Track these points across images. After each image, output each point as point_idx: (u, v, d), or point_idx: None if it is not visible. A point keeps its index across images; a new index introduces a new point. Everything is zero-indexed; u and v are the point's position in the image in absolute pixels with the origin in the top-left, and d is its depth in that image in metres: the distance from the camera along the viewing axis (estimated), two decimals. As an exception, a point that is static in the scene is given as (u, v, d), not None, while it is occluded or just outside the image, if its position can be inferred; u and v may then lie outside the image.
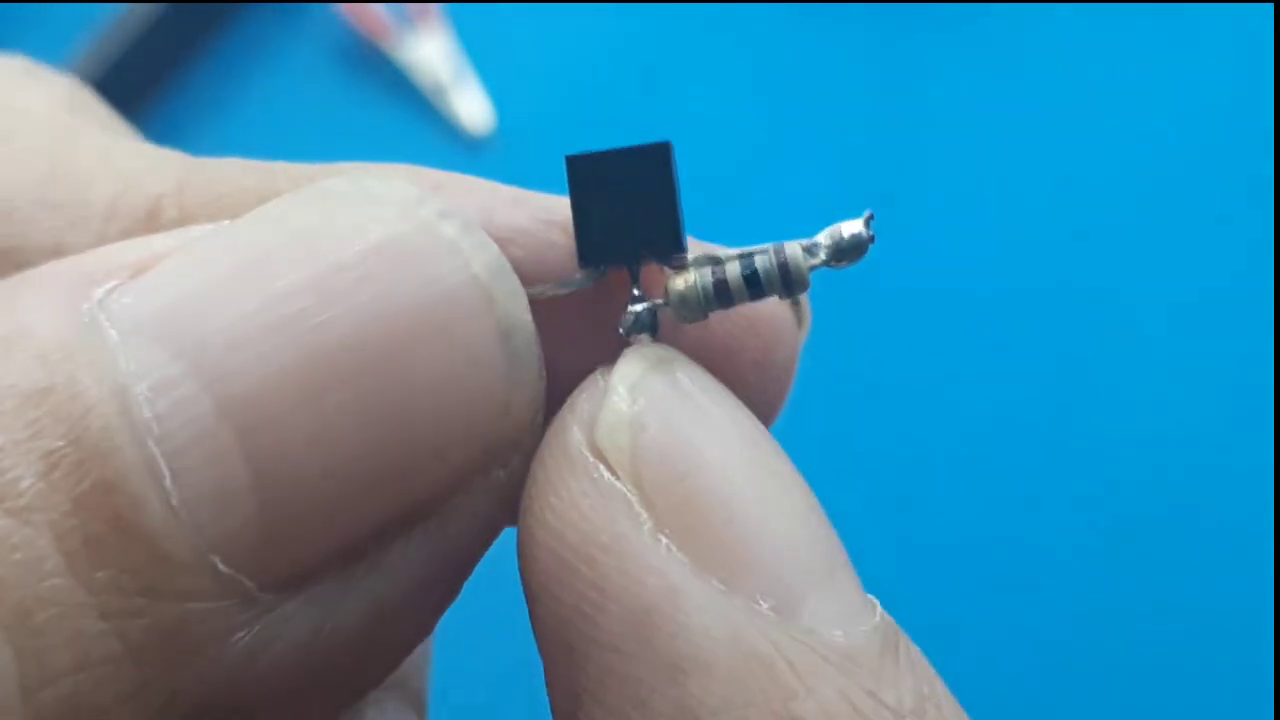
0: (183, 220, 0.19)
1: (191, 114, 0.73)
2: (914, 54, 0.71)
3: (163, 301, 0.16)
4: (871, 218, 0.19)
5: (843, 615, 0.17)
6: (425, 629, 0.19)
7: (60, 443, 0.15)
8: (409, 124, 0.72)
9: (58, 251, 0.19)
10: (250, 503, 0.16)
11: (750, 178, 0.68)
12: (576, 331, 0.20)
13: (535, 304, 0.18)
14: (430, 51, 0.72)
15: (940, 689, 0.17)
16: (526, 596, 0.18)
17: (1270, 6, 0.67)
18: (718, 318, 0.20)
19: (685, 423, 0.17)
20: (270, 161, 0.20)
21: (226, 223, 0.17)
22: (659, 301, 0.19)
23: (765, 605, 0.16)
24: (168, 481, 0.15)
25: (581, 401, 0.18)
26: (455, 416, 0.17)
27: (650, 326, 0.19)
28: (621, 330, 0.19)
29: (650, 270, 0.20)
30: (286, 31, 0.75)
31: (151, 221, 0.19)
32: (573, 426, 0.18)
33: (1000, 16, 0.70)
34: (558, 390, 0.19)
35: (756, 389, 0.20)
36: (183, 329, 0.16)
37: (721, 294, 0.19)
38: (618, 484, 0.17)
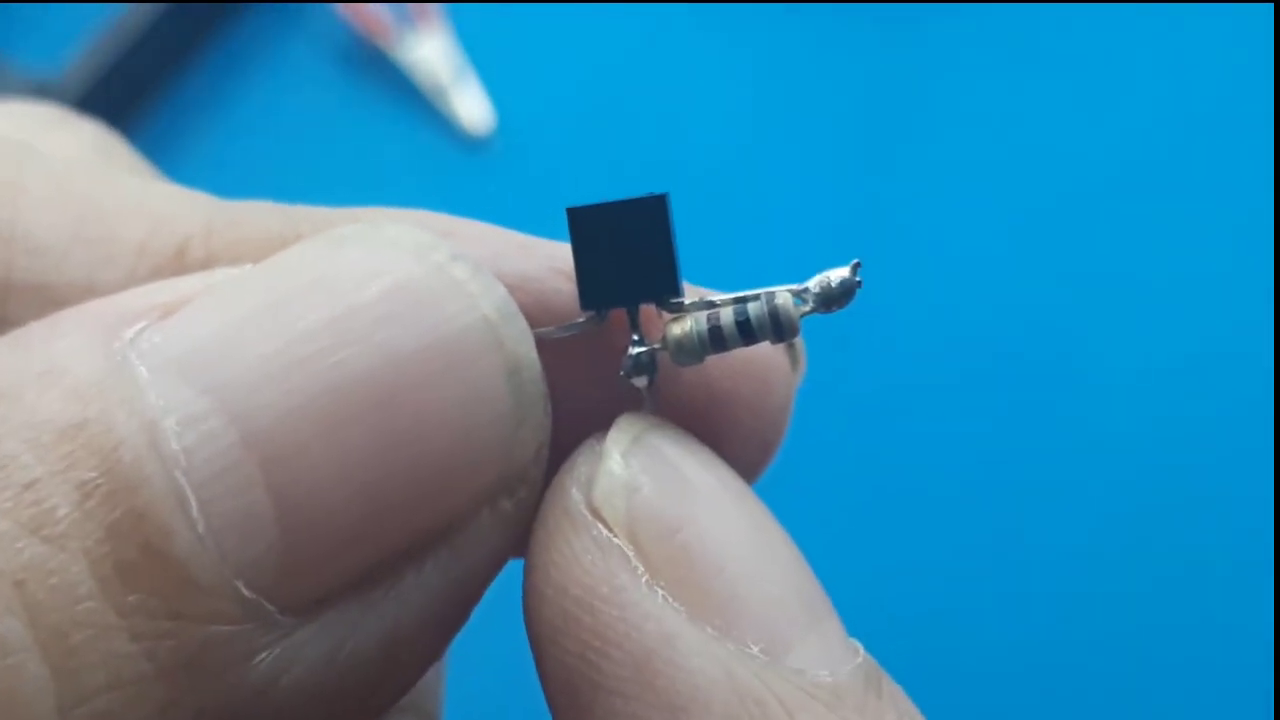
0: (209, 260, 0.20)
1: (191, 115, 0.73)
2: (920, 58, 0.71)
3: (190, 341, 0.17)
4: (859, 265, 0.20)
5: (828, 656, 0.18)
6: (436, 652, 0.20)
7: (93, 474, 0.16)
8: (409, 124, 0.72)
9: (89, 288, 0.20)
10: (273, 531, 0.16)
11: (749, 175, 0.68)
12: (581, 372, 0.21)
13: (541, 346, 0.19)
14: (430, 51, 0.72)
15: None
16: (533, 647, 0.19)
17: (1270, 6, 0.67)
18: (713, 361, 0.21)
19: (675, 483, 0.19)
20: (293, 205, 0.21)
21: (249, 266, 0.18)
22: (657, 346, 0.20)
23: (756, 649, 0.18)
24: (194, 510, 0.16)
25: (579, 464, 0.19)
26: (465, 449, 0.18)
27: (649, 368, 0.20)
28: (622, 372, 0.20)
29: (648, 313, 0.20)
30: (286, 31, 0.75)
31: (179, 260, 0.20)
32: (571, 488, 0.19)
33: (999, 17, 0.70)
34: (564, 428, 0.20)
35: (752, 432, 0.21)
36: (209, 367, 0.17)
37: (716, 340, 0.20)
38: (615, 540, 0.18)
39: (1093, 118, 0.67)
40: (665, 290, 0.20)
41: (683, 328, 0.20)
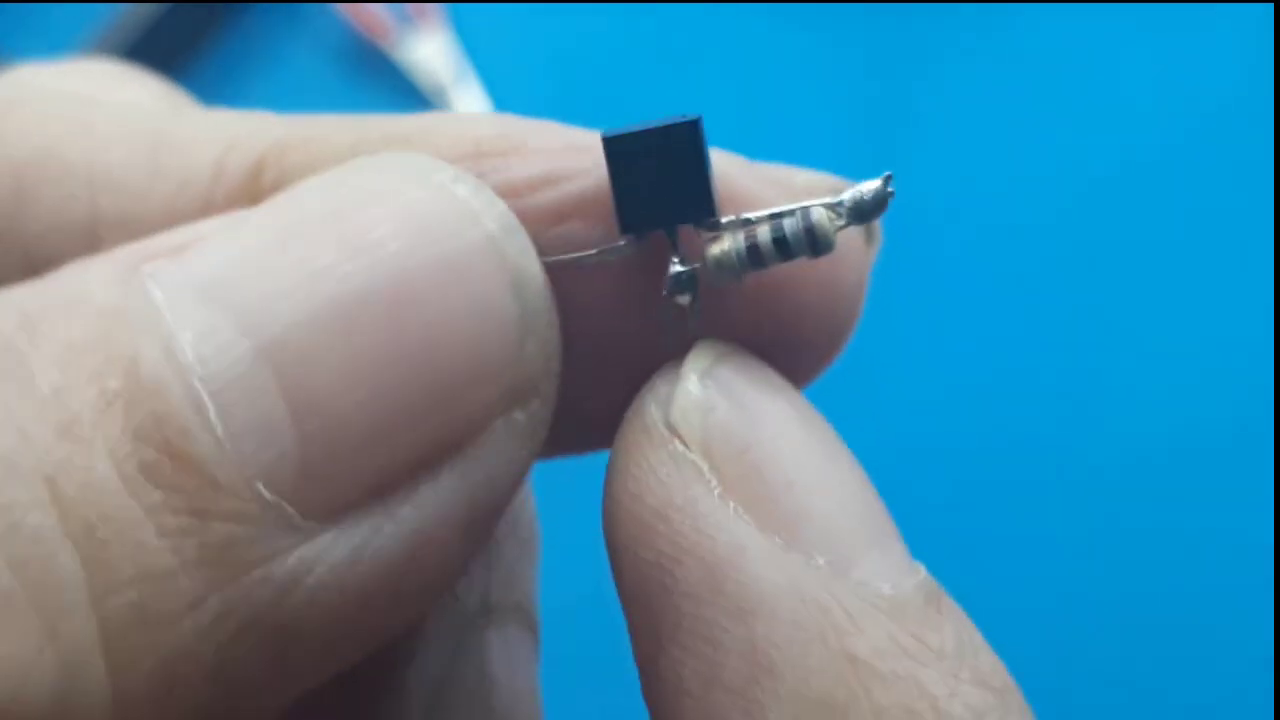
0: (283, 177, 0.21)
1: (191, 114, 0.73)
2: (912, 52, 0.71)
3: (205, 266, 0.18)
4: (890, 177, 0.20)
5: (890, 571, 0.19)
6: (458, 567, 0.20)
7: (115, 383, 0.17)
8: (409, 124, 0.72)
9: (168, 217, 0.21)
10: (289, 436, 0.17)
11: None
12: (625, 296, 0.21)
13: (583, 272, 0.20)
14: (430, 51, 0.72)
15: (978, 638, 0.19)
16: (610, 555, 0.20)
17: (1270, 6, 0.67)
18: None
19: (749, 404, 0.20)
20: (364, 117, 0.22)
21: (265, 202, 0.19)
22: (697, 265, 0.21)
23: (822, 560, 0.18)
24: (212, 415, 0.17)
25: (658, 384, 0.20)
26: (472, 360, 0.19)
27: (690, 287, 0.21)
28: (665, 291, 0.21)
29: (688, 235, 0.21)
30: (286, 31, 0.75)
31: (255, 180, 0.21)
32: (651, 406, 0.20)
33: (999, 15, 0.71)
34: (614, 352, 0.21)
35: (825, 311, 0.22)
36: (222, 286, 0.18)
37: (754, 258, 0.20)
38: (690, 455, 0.19)
39: (1092, 118, 0.68)
40: (701, 211, 0.20)
41: (721, 247, 0.20)
